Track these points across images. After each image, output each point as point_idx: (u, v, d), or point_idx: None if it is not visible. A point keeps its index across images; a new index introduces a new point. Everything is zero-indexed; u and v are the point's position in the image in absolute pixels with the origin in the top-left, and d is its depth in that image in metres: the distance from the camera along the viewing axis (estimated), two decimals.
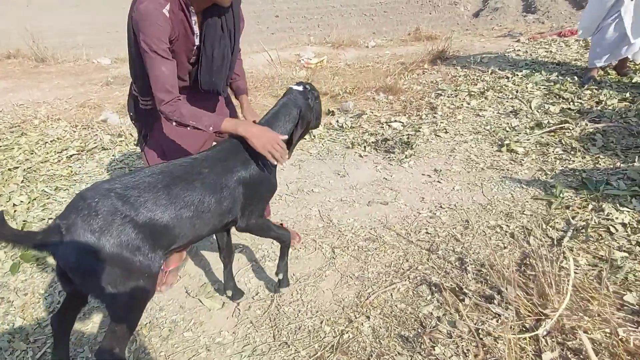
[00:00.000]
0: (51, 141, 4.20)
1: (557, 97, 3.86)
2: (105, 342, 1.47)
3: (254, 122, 1.86)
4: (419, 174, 3.05)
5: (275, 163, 1.74)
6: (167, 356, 1.87)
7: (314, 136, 3.81)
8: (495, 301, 1.88)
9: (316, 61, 6.22)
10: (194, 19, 1.74)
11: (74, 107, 5.43)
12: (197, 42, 1.80)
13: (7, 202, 3.13)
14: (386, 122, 3.87)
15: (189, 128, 1.73)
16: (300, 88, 1.90)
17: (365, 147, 3.50)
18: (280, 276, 2.07)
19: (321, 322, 1.95)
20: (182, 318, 2.06)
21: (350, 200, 2.84)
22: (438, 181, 2.92)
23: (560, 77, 4.22)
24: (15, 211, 3.04)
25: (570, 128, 3.26)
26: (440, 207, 2.65)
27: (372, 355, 1.75)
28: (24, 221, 2.93)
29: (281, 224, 2.54)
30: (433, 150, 3.31)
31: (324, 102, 4.51)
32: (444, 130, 3.58)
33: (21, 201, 3.15)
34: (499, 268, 2.00)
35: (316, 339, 1.87)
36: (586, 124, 3.28)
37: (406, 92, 4.55)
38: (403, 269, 2.20)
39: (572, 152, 2.99)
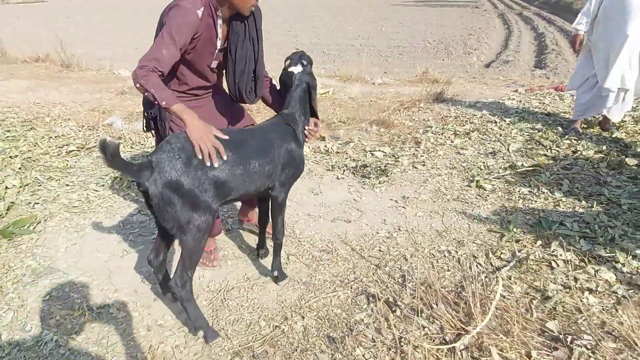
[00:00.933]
0: (55, 137, 4.46)
1: (538, 143, 4.00)
2: (177, 273, 1.80)
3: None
4: (387, 198, 3.17)
5: (207, 162, 1.76)
6: (109, 331, 1.99)
7: None
8: (424, 315, 1.97)
9: (322, 92, 6.47)
10: (220, 22, 2.01)
11: (85, 110, 5.73)
12: (219, 45, 2.06)
13: (1, 183, 3.33)
14: (370, 151, 4.04)
15: (146, 94, 1.81)
16: (300, 68, 2.12)
17: (344, 170, 3.66)
18: (275, 273, 2.27)
19: (259, 317, 2.05)
20: (133, 300, 2.18)
21: (317, 216, 2.97)
22: (403, 207, 3.05)
23: (545, 127, 4.37)
24: (5, 193, 3.24)
25: (541, 172, 3.37)
26: (399, 229, 2.76)
27: (296, 350, 1.85)
28: (11, 202, 3.13)
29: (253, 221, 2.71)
30: (406, 180, 3.45)
31: (321, 129, 4.71)
32: (422, 163, 3.72)
33: (13, 185, 3.36)
34: (436, 287, 2.09)
35: (250, 331, 1.97)
36: (557, 170, 3.40)
37: (397, 127, 4.73)
38: (348, 280, 2.31)
39: (537, 194, 3.10)
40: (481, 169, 3.57)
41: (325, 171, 3.70)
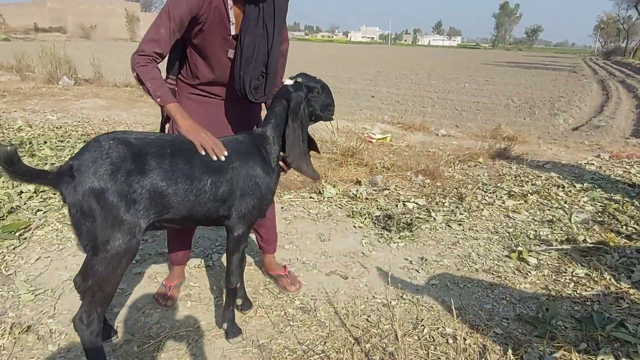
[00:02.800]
0: None
1: (611, 217, 3.25)
2: (83, 308, 1.48)
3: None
4: (401, 257, 2.66)
5: (213, 156, 1.62)
6: (14, 355, 1.70)
7: (324, 197, 3.61)
8: None
9: (380, 137, 6.13)
10: (230, 3, 1.74)
11: (145, 130, 5.90)
12: (233, 31, 1.79)
13: (16, 187, 3.34)
14: (403, 201, 3.55)
15: (142, 88, 1.71)
16: (291, 82, 1.76)
17: (365, 218, 3.20)
18: (225, 326, 1.89)
19: None
20: (61, 330, 1.89)
21: (312, 265, 2.54)
22: (417, 270, 2.51)
23: (625, 199, 3.59)
24: (19, 196, 3.23)
25: (608, 252, 2.66)
26: (401, 297, 2.23)
27: None
28: (17, 206, 3.09)
29: (285, 266, 2.36)
30: (433, 239, 2.91)
31: (362, 173, 4.34)
32: (459, 222, 3.16)
33: (28, 190, 3.35)
34: None
35: None
36: (630, 252, 2.66)
37: (445, 180, 4.20)
38: (314, 352, 1.83)
39: (596, 279, 2.40)
40: (530, 239, 2.92)
41: (344, 217, 3.27)
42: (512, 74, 22.97)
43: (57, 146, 4.65)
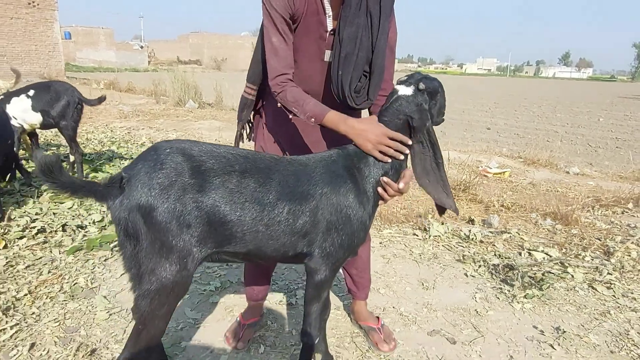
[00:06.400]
0: None
1: None
2: (126, 349, 1.28)
3: None
4: (529, 323, 2.08)
5: (387, 161, 1.41)
6: None
7: (429, 236, 3.14)
8: None
9: (497, 171, 5.48)
10: None
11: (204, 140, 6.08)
12: (329, 25, 1.50)
13: None
14: (529, 249, 2.93)
15: (290, 116, 1.50)
16: (409, 91, 1.40)
17: (480, 266, 2.66)
18: None
19: None
20: None
21: (411, 320, 2.09)
22: (551, 345, 1.92)
23: None
24: None
25: None
26: None
27: None
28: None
29: (378, 318, 1.96)
30: (572, 303, 2.27)
31: (476, 211, 3.80)
32: (607, 284, 2.46)
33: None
34: None
35: None
36: None
37: (584, 227, 3.45)
38: None
39: None
40: None
41: (453, 261, 2.77)
42: None
43: None
